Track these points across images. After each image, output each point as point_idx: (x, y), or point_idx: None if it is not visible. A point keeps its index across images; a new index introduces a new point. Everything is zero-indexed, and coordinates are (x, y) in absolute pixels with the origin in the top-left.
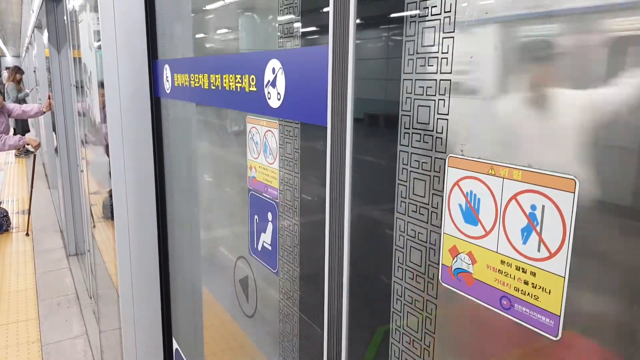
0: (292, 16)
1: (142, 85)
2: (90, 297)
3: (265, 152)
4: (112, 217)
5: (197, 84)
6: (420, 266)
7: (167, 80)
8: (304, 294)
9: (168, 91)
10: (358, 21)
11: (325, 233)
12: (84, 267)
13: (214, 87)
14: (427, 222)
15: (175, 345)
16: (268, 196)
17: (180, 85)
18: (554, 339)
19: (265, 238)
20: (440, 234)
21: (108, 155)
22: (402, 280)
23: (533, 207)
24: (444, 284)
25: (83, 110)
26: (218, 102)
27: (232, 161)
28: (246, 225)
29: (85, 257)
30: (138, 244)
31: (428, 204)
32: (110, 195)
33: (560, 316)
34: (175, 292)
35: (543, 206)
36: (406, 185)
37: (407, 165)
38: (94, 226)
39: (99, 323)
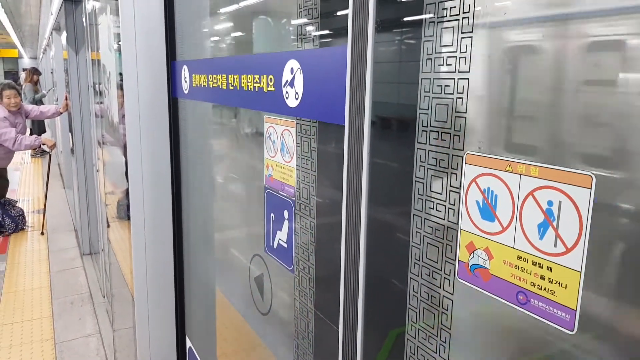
0: (311, 18)
1: (161, 86)
2: (104, 296)
3: (282, 150)
4: (126, 217)
5: (215, 85)
6: (437, 262)
7: (185, 81)
8: (319, 292)
9: (186, 92)
10: (376, 22)
11: (342, 230)
12: (97, 267)
13: (232, 88)
14: (444, 219)
15: (188, 344)
16: (284, 194)
17: (198, 85)
18: (570, 333)
19: (281, 236)
20: (457, 231)
21: (125, 155)
22: (418, 276)
23: (550, 203)
24: (460, 280)
25: (100, 112)
26: (236, 102)
27: (248, 160)
28: (262, 224)
29: (99, 256)
30: (153, 243)
31: (445, 201)
32: (126, 195)
33: (576, 310)
34: (189, 290)
35: (560, 202)
36: (423, 183)
37: (424, 162)
38: (109, 226)
39: (112, 322)
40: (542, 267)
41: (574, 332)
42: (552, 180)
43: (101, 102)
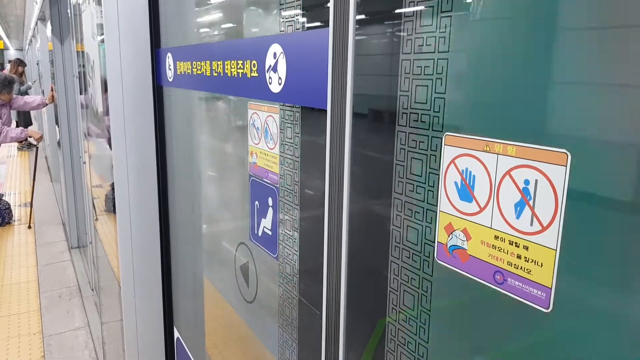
0: (294, 1)
1: (145, 74)
2: (92, 289)
3: (266, 137)
4: (114, 211)
5: (199, 71)
6: (417, 245)
7: (170, 69)
8: (303, 278)
9: (171, 80)
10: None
11: (325, 214)
12: (85, 260)
13: (215, 74)
14: (424, 201)
15: (176, 334)
16: (268, 181)
17: (183, 73)
18: (546, 311)
19: (266, 223)
20: (436, 212)
21: (110, 145)
22: (398, 259)
23: (526, 182)
24: (439, 262)
25: (86, 102)
26: (220, 89)
27: (233, 148)
28: (247, 212)
29: (87, 249)
30: (139, 234)
31: (425, 183)
32: (113, 188)
33: (551, 288)
34: (177, 280)
35: (536, 180)
36: (404, 165)
37: (404, 145)
38: (96, 219)
39: (100, 315)
40: (518, 247)
41: (549, 310)
42: (528, 159)
43: (87, 93)
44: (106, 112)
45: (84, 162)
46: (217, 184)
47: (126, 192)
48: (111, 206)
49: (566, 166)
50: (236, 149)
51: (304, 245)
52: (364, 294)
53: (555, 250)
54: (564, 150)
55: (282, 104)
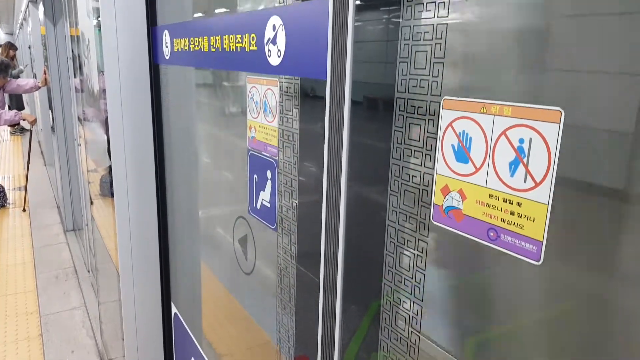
0: None
1: (141, 52)
2: (89, 271)
3: (265, 111)
4: (110, 194)
5: (196, 48)
6: (413, 208)
7: (167, 46)
8: (301, 247)
9: (167, 57)
10: None
11: (324, 179)
12: (81, 242)
13: (213, 50)
14: (421, 165)
15: (174, 310)
16: (267, 155)
17: (180, 50)
18: (537, 263)
19: (265, 196)
20: (433, 175)
21: (107, 126)
22: (395, 223)
23: (521, 141)
24: (435, 223)
25: (81, 86)
26: (218, 64)
27: (231, 124)
28: (245, 187)
29: (82, 232)
30: (137, 210)
31: (422, 148)
32: (109, 172)
33: (542, 242)
34: (174, 256)
35: (530, 139)
36: (402, 131)
37: (403, 111)
38: (92, 203)
39: (97, 295)
40: (512, 203)
41: (540, 263)
42: (523, 118)
43: (82, 75)
44: (102, 92)
45: (79, 145)
46: (215, 160)
47: (123, 170)
48: (106, 190)
49: (559, 123)
50: (234, 125)
51: (302, 215)
52: (361, 257)
53: (547, 205)
54: (557, 108)
55: (281, 76)
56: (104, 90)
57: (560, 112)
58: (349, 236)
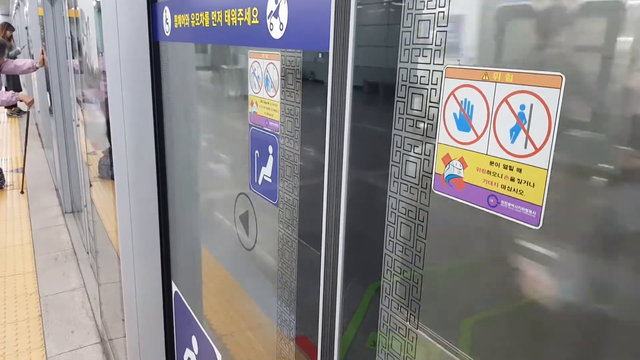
0: None
1: (141, 29)
2: (88, 252)
3: (267, 85)
4: (109, 177)
5: (197, 23)
6: (415, 177)
7: (167, 23)
8: (302, 220)
9: (168, 34)
10: None
11: (325, 151)
12: (80, 224)
13: (215, 25)
14: (423, 134)
15: (174, 289)
16: (269, 129)
17: (181, 26)
18: (536, 228)
19: (266, 171)
20: (434, 145)
21: (106, 107)
22: (397, 193)
23: (522, 107)
24: (436, 192)
25: (80, 67)
26: (220, 39)
27: (232, 101)
28: (247, 163)
29: (81, 214)
30: (137, 188)
31: (424, 117)
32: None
33: (542, 207)
34: (174, 235)
35: (531, 104)
36: (404, 102)
37: (405, 81)
38: (91, 185)
39: (97, 277)
40: (512, 170)
41: (539, 227)
42: (525, 85)
43: (81, 54)
44: (102, 74)
45: (77, 125)
46: (215, 137)
47: (123, 149)
48: (104, 173)
49: (560, 89)
50: (235, 101)
51: (304, 190)
52: (363, 225)
53: (547, 170)
54: (558, 73)
55: (283, 49)
56: (104, 72)
57: (561, 77)
58: (350, 208)
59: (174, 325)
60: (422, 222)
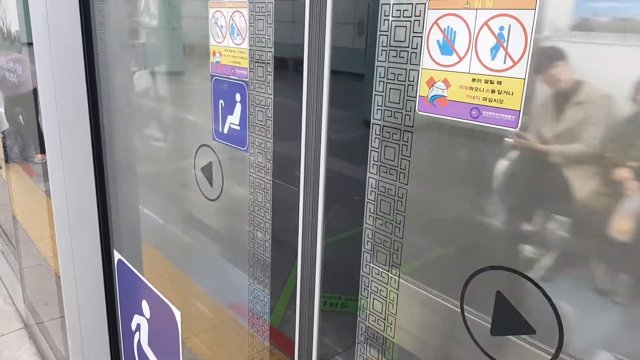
0: None
1: None
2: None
3: (232, 34)
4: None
5: None
6: (399, 103)
7: None
8: (278, 162)
9: None
10: None
11: (304, 86)
12: None
13: None
14: (407, 63)
15: (117, 256)
16: (236, 77)
17: None
18: (514, 130)
19: (233, 120)
20: (418, 71)
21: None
22: (380, 120)
23: (501, 28)
24: (420, 113)
25: None
26: None
27: (183, 50)
28: (208, 114)
29: None
30: (70, 153)
31: (408, 47)
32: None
33: (520, 111)
34: (115, 202)
35: (510, 25)
36: (387, 35)
37: (388, 16)
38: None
39: (18, 259)
40: (493, 83)
41: (517, 129)
42: (503, 9)
43: None
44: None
45: None
46: (164, 90)
47: (54, 108)
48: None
49: (535, 9)
50: (192, 50)
51: (278, 130)
52: (344, 156)
53: (524, 79)
54: None
55: None
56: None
57: None
58: (330, 137)
59: (116, 296)
60: (407, 142)
